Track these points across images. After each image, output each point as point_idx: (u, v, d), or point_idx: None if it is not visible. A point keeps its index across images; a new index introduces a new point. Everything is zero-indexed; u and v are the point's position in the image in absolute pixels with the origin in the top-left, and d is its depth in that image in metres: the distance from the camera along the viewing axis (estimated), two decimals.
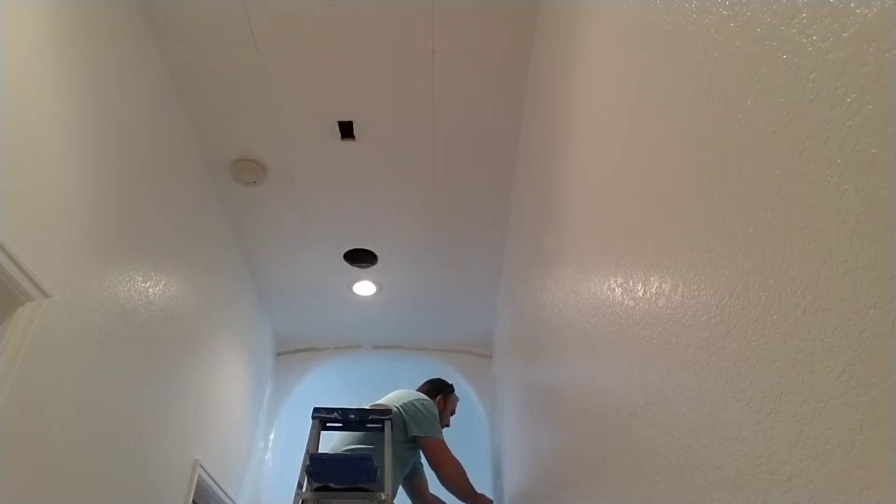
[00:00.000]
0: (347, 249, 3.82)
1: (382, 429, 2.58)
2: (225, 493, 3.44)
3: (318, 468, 2.41)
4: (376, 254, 3.85)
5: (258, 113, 2.91)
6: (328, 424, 2.69)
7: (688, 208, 0.93)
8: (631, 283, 1.18)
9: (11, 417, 1.65)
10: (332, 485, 2.46)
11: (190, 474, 2.98)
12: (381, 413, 2.64)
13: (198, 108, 2.87)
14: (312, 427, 2.62)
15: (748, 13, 0.77)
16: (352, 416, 2.66)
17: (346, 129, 2.97)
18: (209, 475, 3.17)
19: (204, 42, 2.60)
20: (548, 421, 2.16)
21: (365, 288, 4.18)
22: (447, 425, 3.32)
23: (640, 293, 1.12)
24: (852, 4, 0.57)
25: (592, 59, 1.63)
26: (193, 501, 2.97)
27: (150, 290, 2.55)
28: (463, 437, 4.82)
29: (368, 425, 2.67)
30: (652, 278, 1.06)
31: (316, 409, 2.67)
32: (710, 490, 0.80)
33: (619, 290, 1.26)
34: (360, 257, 3.87)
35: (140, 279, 2.45)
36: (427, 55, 2.63)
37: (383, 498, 2.31)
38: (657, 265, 1.04)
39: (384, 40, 2.59)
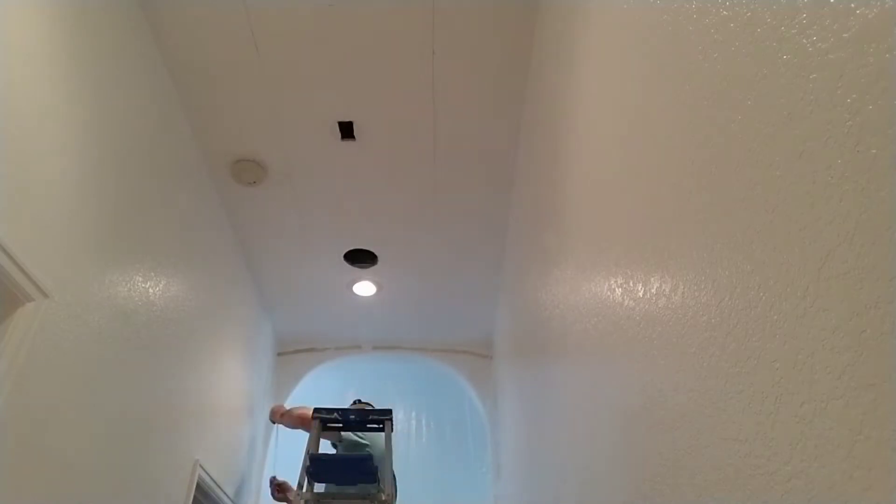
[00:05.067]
0: (348, 250, 3.82)
1: (382, 429, 2.58)
2: (225, 493, 3.44)
3: (318, 468, 2.41)
4: (376, 254, 3.85)
5: (258, 113, 2.91)
6: (329, 425, 2.69)
7: (688, 209, 0.93)
8: (631, 283, 1.18)
9: (11, 418, 1.65)
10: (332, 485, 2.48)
11: (190, 474, 2.97)
12: (382, 413, 2.64)
13: (198, 108, 2.87)
14: (313, 427, 2.62)
15: (748, 14, 0.77)
16: (352, 417, 2.66)
17: (347, 130, 2.97)
18: (209, 475, 3.17)
19: (204, 42, 2.60)
20: (548, 421, 2.16)
21: (365, 288, 4.18)
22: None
23: (641, 294, 1.12)
24: (852, 5, 0.57)
25: (592, 59, 1.63)
26: (193, 501, 2.97)
27: (151, 290, 2.55)
28: (463, 437, 4.83)
29: (368, 426, 2.67)
30: (652, 279, 1.06)
31: (316, 410, 2.67)
32: (711, 490, 0.80)
33: (619, 291, 1.26)
34: (361, 257, 3.88)
35: (140, 279, 2.45)
36: (427, 55, 2.63)
37: (384, 498, 2.30)
38: (657, 266, 1.04)
39: (384, 40, 2.59)
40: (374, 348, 4.87)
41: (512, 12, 2.47)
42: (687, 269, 0.91)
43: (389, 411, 2.67)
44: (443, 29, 2.53)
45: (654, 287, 1.04)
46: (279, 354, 4.81)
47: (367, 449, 2.60)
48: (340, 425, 2.75)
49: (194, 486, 2.97)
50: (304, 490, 2.44)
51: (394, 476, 2.62)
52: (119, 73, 2.30)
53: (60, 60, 1.92)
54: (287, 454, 4.20)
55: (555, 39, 2.15)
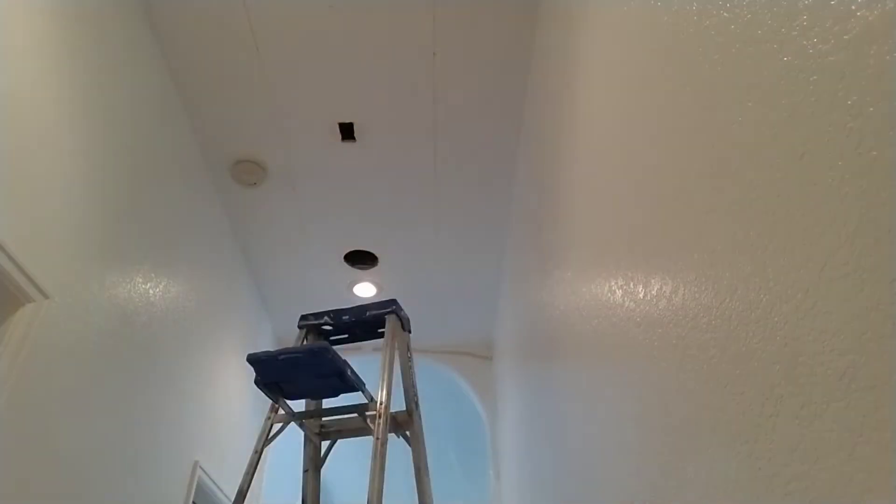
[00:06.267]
0: (348, 251, 3.82)
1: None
2: (225, 494, 3.43)
3: (266, 371, 1.75)
4: (377, 255, 3.85)
5: (258, 113, 2.91)
6: (331, 337, 2.12)
7: (688, 210, 0.93)
8: (632, 285, 1.18)
9: (12, 418, 1.65)
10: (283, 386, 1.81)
11: (190, 474, 2.97)
12: (382, 306, 2.06)
13: (198, 109, 2.87)
14: (297, 339, 2.07)
15: (749, 15, 0.77)
16: (345, 318, 2.12)
17: (347, 131, 2.98)
18: (209, 476, 3.17)
19: (204, 42, 2.60)
20: (548, 422, 2.16)
21: (365, 289, 4.17)
22: None
23: (641, 295, 1.12)
24: (853, 7, 0.57)
25: (593, 60, 1.63)
26: (193, 502, 2.97)
27: (151, 291, 2.55)
28: (463, 438, 4.83)
29: (379, 330, 2.06)
30: (653, 280, 1.06)
31: (302, 317, 2.16)
32: (711, 492, 0.80)
33: (619, 293, 1.26)
34: (361, 259, 3.87)
35: (140, 280, 2.45)
36: (427, 56, 2.63)
37: (378, 408, 1.69)
38: (658, 267, 1.04)
39: (384, 41, 2.59)
40: (374, 350, 4.85)
41: (512, 13, 2.47)
42: (688, 271, 0.91)
43: (393, 301, 2.07)
44: (443, 29, 2.53)
45: (655, 289, 1.04)
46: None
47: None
48: (345, 335, 2.12)
49: (194, 487, 2.97)
50: (277, 413, 1.84)
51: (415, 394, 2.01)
52: (119, 74, 2.30)
53: (61, 62, 1.92)
54: (287, 454, 4.19)
55: (555, 40, 2.15)
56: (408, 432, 1.84)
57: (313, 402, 2.00)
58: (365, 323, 2.12)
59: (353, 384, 1.76)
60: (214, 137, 3.02)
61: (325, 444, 1.97)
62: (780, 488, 0.64)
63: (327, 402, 2.02)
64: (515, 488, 3.15)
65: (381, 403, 1.72)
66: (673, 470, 0.93)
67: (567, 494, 1.78)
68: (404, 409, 1.88)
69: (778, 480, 0.64)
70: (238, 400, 3.84)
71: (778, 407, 0.65)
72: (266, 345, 4.53)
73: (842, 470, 0.54)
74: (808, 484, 0.59)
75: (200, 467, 3.05)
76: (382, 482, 1.53)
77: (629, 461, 1.16)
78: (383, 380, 1.81)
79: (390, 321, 2.06)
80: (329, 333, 2.16)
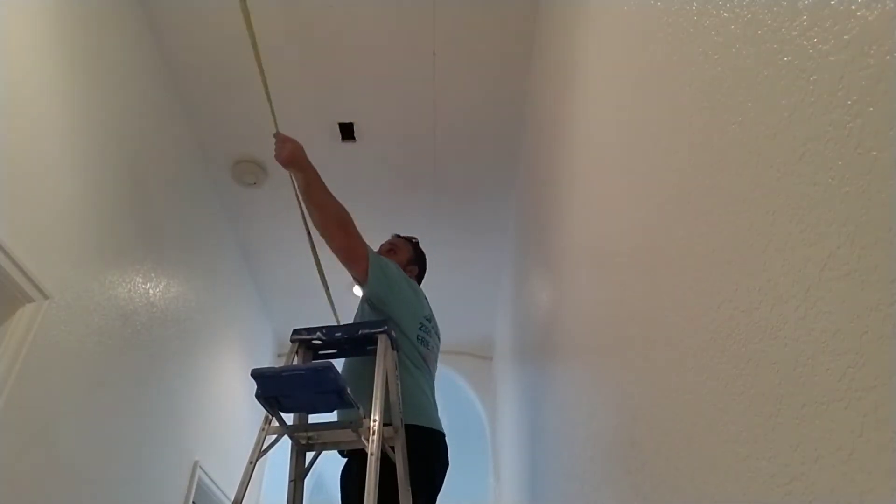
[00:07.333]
0: None
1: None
2: (225, 494, 3.44)
3: (267, 386, 1.82)
4: None
5: (258, 113, 2.90)
6: (320, 353, 2.18)
7: (688, 210, 0.93)
8: (632, 284, 1.18)
9: (12, 418, 1.65)
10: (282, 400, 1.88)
11: (190, 474, 2.98)
12: (374, 326, 2.12)
13: (198, 109, 2.87)
14: (289, 352, 2.09)
15: (749, 15, 0.77)
16: (338, 335, 2.17)
17: (347, 131, 2.98)
18: (209, 476, 3.17)
19: (204, 42, 2.60)
20: (548, 423, 2.16)
21: None
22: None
23: (641, 295, 1.12)
24: (853, 7, 0.57)
25: (593, 60, 1.63)
26: (193, 502, 2.97)
27: (151, 291, 2.55)
28: (463, 438, 4.83)
29: (368, 347, 2.13)
30: (653, 280, 1.06)
31: (295, 332, 2.15)
32: (711, 492, 0.80)
33: (619, 292, 1.26)
34: None
35: (140, 280, 2.45)
36: (428, 56, 2.63)
37: (370, 425, 1.76)
38: (658, 267, 1.04)
39: (384, 41, 2.59)
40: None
41: (512, 13, 2.48)
42: (688, 271, 0.91)
43: (384, 322, 2.13)
44: (443, 29, 2.53)
45: (655, 289, 1.04)
46: (279, 356, 4.81)
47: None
48: (334, 351, 2.18)
49: (194, 487, 2.97)
50: (270, 424, 1.88)
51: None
52: (119, 74, 2.30)
53: (61, 62, 1.92)
54: (287, 455, 4.19)
55: (555, 40, 2.15)
56: (393, 447, 1.88)
57: (297, 416, 2.06)
58: (354, 340, 2.17)
59: (350, 401, 1.81)
60: (214, 137, 3.02)
61: (309, 456, 2.04)
62: (780, 488, 0.64)
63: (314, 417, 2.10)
64: (515, 488, 3.15)
65: (374, 420, 1.76)
66: (672, 470, 0.93)
67: (567, 494, 1.78)
68: (391, 424, 1.94)
69: (778, 480, 0.64)
70: (238, 399, 3.85)
71: (778, 407, 0.65)
72: (266, 344, 4.54)
73: (842, 470, 0.54)
74: (808, 484, 0.59)
75: (200, 467, 3.05)
76: (377, 495, 1.56)
77: (629, 461, 1.16)
78: (376, 397, 1.84)
79: (382, 340, 2.08)
80: (319, 348, 2.20)
